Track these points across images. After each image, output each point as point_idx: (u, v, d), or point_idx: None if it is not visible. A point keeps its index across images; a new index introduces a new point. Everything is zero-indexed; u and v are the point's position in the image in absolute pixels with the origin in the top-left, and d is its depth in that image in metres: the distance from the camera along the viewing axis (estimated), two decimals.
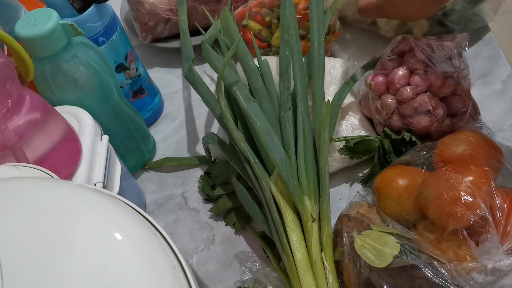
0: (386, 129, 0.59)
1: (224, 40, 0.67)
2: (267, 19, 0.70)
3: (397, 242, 0.45)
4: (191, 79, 0.64)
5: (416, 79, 0.55)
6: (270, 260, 0.55)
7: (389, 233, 0.47)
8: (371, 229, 0.48)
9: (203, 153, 0.68)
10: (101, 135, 0.53)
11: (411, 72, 0.56)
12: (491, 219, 0.44)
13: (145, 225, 0.31)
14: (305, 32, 0.69)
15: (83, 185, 0.35)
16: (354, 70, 0.63)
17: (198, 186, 0.65)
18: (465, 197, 0.45)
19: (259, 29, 0.71)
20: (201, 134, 0.73)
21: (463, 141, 0.51)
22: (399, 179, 0.52)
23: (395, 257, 0.44)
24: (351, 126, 0.62)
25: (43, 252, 0.26)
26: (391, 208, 0.51)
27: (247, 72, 0.60)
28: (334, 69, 0.66)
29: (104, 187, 0.50)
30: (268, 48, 0.72)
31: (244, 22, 0.72)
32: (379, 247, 0.45)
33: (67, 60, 0.51)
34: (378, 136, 0.59)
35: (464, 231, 0.45)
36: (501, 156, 0.51)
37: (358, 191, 0.58)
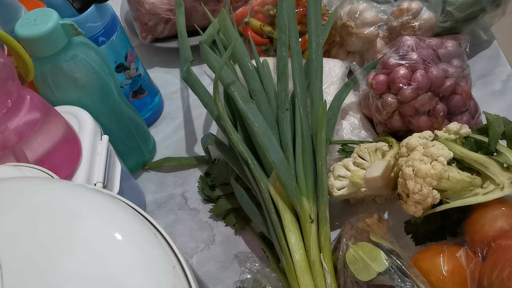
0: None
1: (222, 39, 0.67)
2: (271, 12, 0.70)
3: (386, 260, 0.45)
4: (189, 81, 0.64)
5: (418, 78, 0.55)
6: (269, 261, 0.55)
7: (385, 247, 0.47)
8: (370, 239, 0.48)
9: (203, 153, 0.68)
10: (101, 135, 0.53)
11: (413, 71, 0.56)
12: None
13: (145, 225, 0.31)
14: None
15: (83, 185, 0.36)
16: (355, 70, 0.63)
17: (198, 186, 0.65)
18: None
19: (260, 25, 0.71)
20: (201, 134, 0.73)
21: (495, 215, 0.47)
22: (445, 266, 0.47)
23: (379, 274, 0.45)
24: (351, 125, 0.62)
25: (43, 252, 0.26)
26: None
27: (245, 74, 0.60)
28: (333, 70, 0.66)
29: (104, 187, 0.50)
30: (270, 44, 0.72)
31: (246, 19, 0.72)
32: (367, 261, 0.46)
33: (67, 60, 0.51)
34: None
35: None
36: None
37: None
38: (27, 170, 0.38)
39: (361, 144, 0.57)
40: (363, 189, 0.53)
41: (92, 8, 0.58)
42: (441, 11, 0.66)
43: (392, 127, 0.59)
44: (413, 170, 0.48)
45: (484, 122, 0.52)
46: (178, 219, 0.63)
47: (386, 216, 0.58)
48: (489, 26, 0.71)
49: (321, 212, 0.51)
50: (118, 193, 0.47)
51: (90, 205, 0.30)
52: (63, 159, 0.47)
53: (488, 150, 0.50)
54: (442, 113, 0.57)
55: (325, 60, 0.64)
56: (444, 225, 0.53)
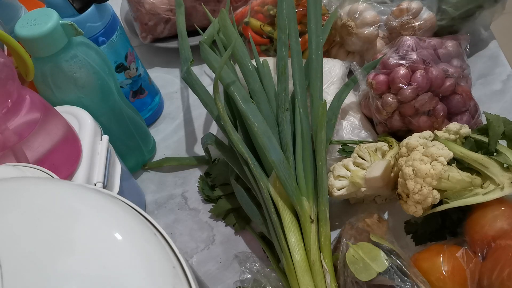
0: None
1: (222, 39, 0.67)
2: (271, 12, 0.70)
3: (386, 260, 0.46)
4: (189, 81, 0.64)
5: (418, 78, 0.55)
6: (269, 261, 0.55)
7: (385, 247, 0.47)
8: (370, 239, 0.48)
9: (203, 153, 0.68)
10: (101, 135, 0.53)
11: (413, 71, 0.56)
12: None
13: (145, 225, 0.31)
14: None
15: (83, 185, 0.36)
16: (355, 70, 0.63)
17: (198, 186, 0.65)
18: None
19: (260, 25, 0.71)
20: (201, 134, 0.73)
21: (495, 215, 0.47)
22: (444, 266, 0.47)
23: (379, 274, 0.45)
24: (351, 125, 0.62)
25: (43, 252, 0.26)
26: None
27: (245, 74, 0.60)
28: (333, 70, 0.66)
29: (104, 187, 0.50)
30: (270, 44, 0.72)
31: (246, 19, 0.72)
32: (367, 261, 0.46)
33: (67, 60, 0.51)
34: None
35: None
36: None
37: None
38: (27, 170, 0.38)
39: (361, 144, 0.57)
40: (363, 189, 0.53)
41: (92, 8, 0.58)
42: (437, 10, 0.66)
43: (392, 127, 0.59)
44: (413, 170, 0.48)
45: (484, 122, 0.52)
46: (178, 219, 0.63)
47: (386, 216, 0.58)
48: (489, 23, 0.71)
49: (321, 212, 0.51)
50: (118, 193, 0.47)
51: (90, 205, 0.30)
52: (63, 159, 0.47)
53: (488, 150, 0.50)
54: (442, 113, 0.57)
55: (325, 60, 0.65)
56: (444, 225, 0.53)
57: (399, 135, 0.59)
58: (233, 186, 0.59)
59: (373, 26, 0.66)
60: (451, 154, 0.48)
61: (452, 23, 0.67)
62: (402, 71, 0.56)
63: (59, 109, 0.51)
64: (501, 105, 0.66)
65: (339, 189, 0.55)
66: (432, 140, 0.51)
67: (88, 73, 0.53)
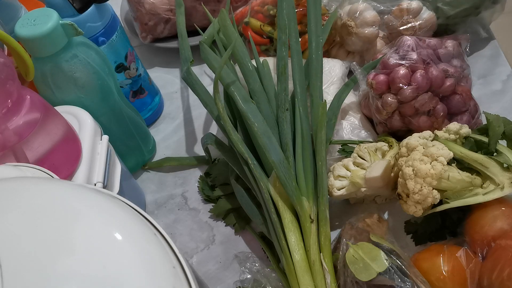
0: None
1: (222, 39, 0.67)
2: (271, 12, 0.70)
3: (386, 260, 0.45)
4: (189, 81, 0.64)
5: (418, 78, 0.55)
6: (269, 261, 0.55)
7: (385, 247, 0.47)
8: (370, 239, 0.48)
9: (203, 153, 0.68)
10: (101, 135, 0.53)
11: (413, 71, 0.56)
12: None
13: (145, 225, 0.31)
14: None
15: (83, 185, 0.36)
16: (355, 70, 0.63)
17: (198, 186, 0.65)
18: None
19: (260, 25, 0.71)
20: (201, 134, 0.73)
21: (495, 215, 0.47)
22: (444, 266, 0.47)
23: (379, 274, 0.45)
24: (351, 125, 0.62)
25: (43, 252, 0.26)
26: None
27: (245, 74, 0.60)
28: (333, 70, 0.66)
29: (104, 187, 0.50)
30: (270, 44, 0.72)
31: (246, 19, 0.72)
32: (367, 261, 0.46)
33: (67, 60, 0.51)
34: None
35: None
36: None
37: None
38: (27, 170, 0.38)
39: (361, 144, 0.57)
40: (363, 189, 0.53)
41: (92, 8, 0.58)
42: (432, 8, 0.66)
43: (392, 127, 0.59)
44: (413, 170, 0.48)
45: (484, 122, 0.52)
46: (178, 219, 0.63)
47: (386, 216, 0.58)
48: (488, 23, 0.71)
49: (321, 212, 0.51)
50: (118, 193, 0.47)
51: (90, 205, 0.30)
52: (63, 159, 0.47)
53: (488, 150, 0.50)
54: (442, 113, 0.57)
55: (325, 60, 0.65)
56: (444, 225, 0.53)
57: (399, 135, 0.59)
58: (233, 186, 0.59)
59: (373, 26, 0.66)
60: (451, 154, 0.48)
61: (448, 22, 0.67)
62: (402, 71, 0.56)
63: (59, 109, 0.51)
64: (501, 105, 0.66)
65: (339, 189, 0.55)
66: (432, 140, 0.51)
67: (88, 73, 0.53)
